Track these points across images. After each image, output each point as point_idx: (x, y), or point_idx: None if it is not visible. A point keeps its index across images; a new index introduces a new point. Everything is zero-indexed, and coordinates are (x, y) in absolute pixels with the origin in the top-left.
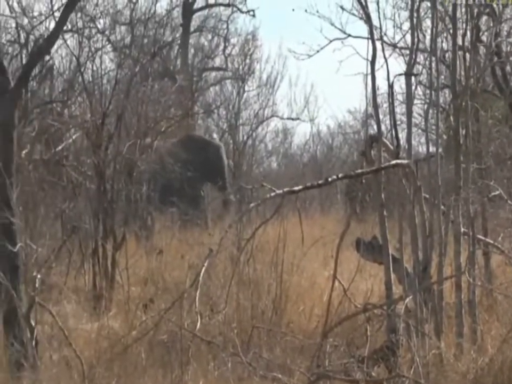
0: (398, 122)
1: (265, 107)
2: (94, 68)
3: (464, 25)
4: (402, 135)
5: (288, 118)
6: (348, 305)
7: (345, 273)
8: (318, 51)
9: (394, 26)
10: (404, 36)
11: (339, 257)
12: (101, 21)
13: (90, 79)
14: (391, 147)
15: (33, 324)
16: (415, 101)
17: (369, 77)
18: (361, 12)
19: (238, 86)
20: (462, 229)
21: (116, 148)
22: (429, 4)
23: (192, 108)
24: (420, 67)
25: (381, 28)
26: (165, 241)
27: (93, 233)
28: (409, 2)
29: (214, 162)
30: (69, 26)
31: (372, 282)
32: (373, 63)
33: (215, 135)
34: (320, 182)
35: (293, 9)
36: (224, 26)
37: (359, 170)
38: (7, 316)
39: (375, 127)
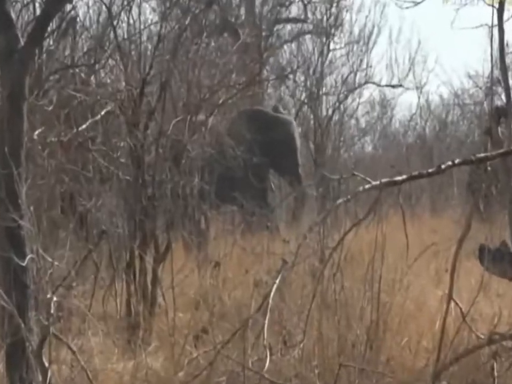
0: None
1: (357, 70)
2: (131, 21)
3: None
4: None
5: (387, 85)
6: (467, 335)
7: (464, 293)
8: None
9: None
10: None
11: (456, 271)
12: None
13: (125, 35)
14: None
15: (46, 363)
16: None
17: (496, 30)
18: None
19: (321, 43)
20: None
21: (159, 126)
22: None
23: (260, 73)
24: None
25: None
26: (224, 251)
27: (127, 240)
28: None
29: (282, 143)
30: None
31: (499, 305)
32: (500, 11)
33: (281, 109)
34: (430, 170)
35: None
36: None
37: (482, 154)
38: (12, 352)
39: (503, 96)
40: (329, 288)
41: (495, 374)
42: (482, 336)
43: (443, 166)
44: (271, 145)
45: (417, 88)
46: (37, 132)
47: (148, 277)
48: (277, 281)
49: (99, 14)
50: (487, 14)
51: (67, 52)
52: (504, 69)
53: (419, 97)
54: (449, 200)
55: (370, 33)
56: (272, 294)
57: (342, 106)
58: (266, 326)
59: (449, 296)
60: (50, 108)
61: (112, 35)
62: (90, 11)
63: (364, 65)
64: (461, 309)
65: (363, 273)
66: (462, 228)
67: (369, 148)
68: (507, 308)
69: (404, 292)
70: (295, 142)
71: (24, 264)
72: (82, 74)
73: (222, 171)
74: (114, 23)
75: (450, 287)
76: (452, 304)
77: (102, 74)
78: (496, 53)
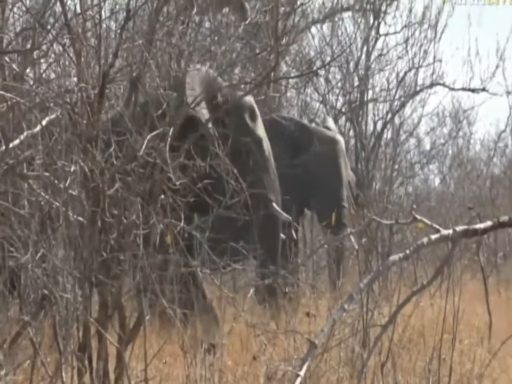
0: None
1: (420, 67)
2: None
3: None
4: None
5: (464, 89)
6: None
7: None
8: None
9: None
10: None
11: None
12: None
13: (78, 9)
14: None
15: None
16: None
17: None
18: None
19: (366, 24)
20: None
21: (127, 143)
22: None
23: (277, 68)
24: None
25: None
26: (221, 328)
27: (79, 311)
28: None
29: (324, 173)
30: None
31: None
32: None
33: (331, 122)
34: None
35: None
36: None
37: None
38: None
39: None
40: None
41: None
42: None
43: None
44: (299, 176)
45: (508, 94)
46: None
47: (109, 364)
48: (301, 373)
49: None
50: None
51: None
52: None
53: (511, 108)
54: None
55: (439, 11)
56: None
57: (396, 119)
58: None
59: None
60: None
61: (58, 8)
62: None
63: (430, 59)
64: None
65: (425, 364)
66: None
67: (436, 181)
68: None
69: None
70: (340, 170)
71: None
72: (14, 66)
73: (220, 211)
74: None
75: None
76: None
77: (44, 66)
78: None
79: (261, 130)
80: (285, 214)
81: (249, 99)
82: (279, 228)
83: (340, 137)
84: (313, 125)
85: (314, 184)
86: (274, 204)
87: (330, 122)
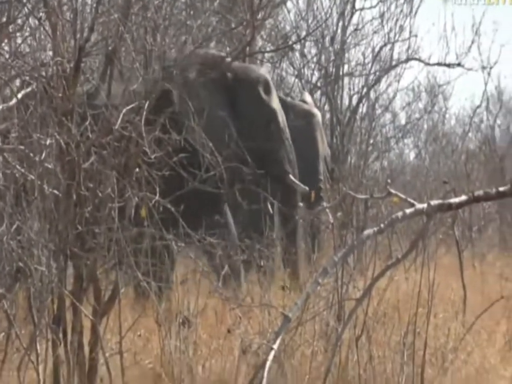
0: None
1: (396, 41)
2: None
3: None
4: None
5: (439, 64)
6: None
7: None
8: None
9: None
10: None
11: None
12: None
13: None
14: None
15: None
16: None
17: None
18: None
19: None
20: None
21: (103, 117)
22: None
23: (252, 42)
24: None
25: None
26: (196, 301)
27: (54, 283)
28: None
29: (300, 146)
30: None
31: None
32: None
33: (307, 96)
34: (500, 189)
35: None
36: None
37: None
38: None
39: None
40: (350, 358)
41: None
42: None
43: None
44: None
45: (483, 68)
46: None
47: (84, 336)
48: (275, 346)
49: None
50: None
51: None
52: None
53: (486, 83)
54: None
55: None
56: (267, 366)
57: (372, 93)
58: None
59: None
60: None
61: None
62: None
63: (406, 34)
64: None
65: (400, 338)
66: None
67: (411, 156)
68: None
69: (459, 366)
70: (316, 144)
71: None
72: None
73: (197, 184)
74: None
75: None
76: None
77: (19, 40)
78: None
79: (275, 102)
80: (302, 185)
81: (264, 72)
82: (297, 199)
83: (316, 111)
84: (289, 99)
85: (294, 161)
86: (291, 176)
87: (306, 96)
